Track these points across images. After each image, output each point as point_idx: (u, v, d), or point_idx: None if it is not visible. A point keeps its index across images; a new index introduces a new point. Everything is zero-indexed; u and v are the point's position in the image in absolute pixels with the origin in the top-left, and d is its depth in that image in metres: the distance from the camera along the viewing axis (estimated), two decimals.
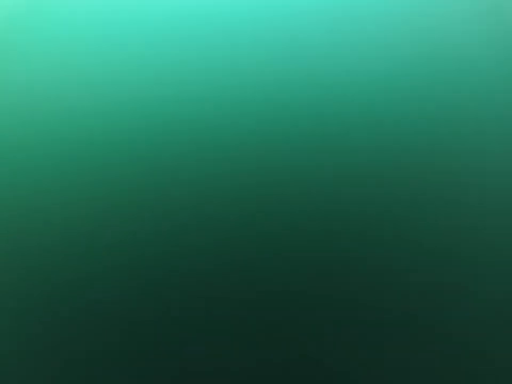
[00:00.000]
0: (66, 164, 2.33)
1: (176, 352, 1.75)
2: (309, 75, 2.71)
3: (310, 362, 1.73)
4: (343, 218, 2.12)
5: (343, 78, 2.68)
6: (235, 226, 2.08)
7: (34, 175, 2.28)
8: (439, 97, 2.62)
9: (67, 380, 1.70)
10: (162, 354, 1.75)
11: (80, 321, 1.85)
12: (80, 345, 1.80)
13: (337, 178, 2.24)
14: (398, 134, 2.43)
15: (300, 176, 2.24)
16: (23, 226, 2.14)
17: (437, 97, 2.62)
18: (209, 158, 2.32)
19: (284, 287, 1.92)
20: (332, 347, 1.75)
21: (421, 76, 2.71)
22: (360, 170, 2.26)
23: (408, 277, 1.97)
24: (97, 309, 1.87)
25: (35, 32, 2.93)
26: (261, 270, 1.98)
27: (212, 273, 1.96)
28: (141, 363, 1.74)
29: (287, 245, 2.05)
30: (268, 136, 2.43)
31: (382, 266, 1.98)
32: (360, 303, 1.89)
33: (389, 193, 2.18)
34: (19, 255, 2.03)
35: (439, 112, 2.55)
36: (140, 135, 2.47)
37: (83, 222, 2.13)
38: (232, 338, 1.80)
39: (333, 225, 2.10)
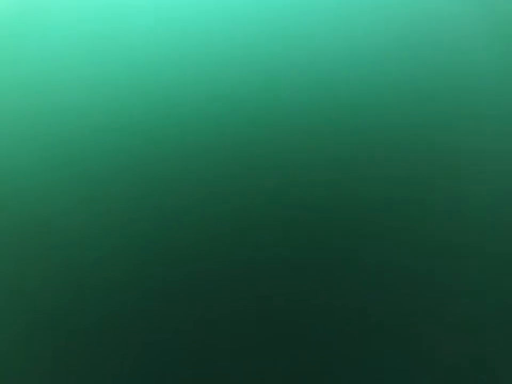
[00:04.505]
0: (65, 165, 2.32)
1: (176, 355, 1.74)
2: (309, 75, 2.70)
3: (309, 364, 1.73)
4: (343, 217, 2.11)
5: (345, 77, 2.67)
6: (235, 228, 2.08)
7: (32, 176, 2.28)
8: (439, 98, 2.61)
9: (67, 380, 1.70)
10: (162, 357, 1.75)
11: (79, 325, 1.85)
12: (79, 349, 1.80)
13: (337, 177, 2.23)
14: (399, 134, 2.43)
15: (298, 177, 2.23)
16: (22, 227, 2.14)
17: (437, 98, 2.61)
18: (211, 158, 2.32)
19: (285, 286, 1.91)
20: (333, 349, 1.74)
21: (421, 76, 2.71)
22: (359, 170, 2.26)
23: (411, 276, 1.96)
24: (96, 312, 1.87)
25: (32, 31, 2.93)
26: (261, 269, 1.97)
27: (214, 276, 1.95)
28: (142, 365, 1.74)
29: (288, 245, 2.05)
30: (270, 136, 2.43)
31: (382, 268, 1.98)
32: (359, 303, 1.88)
33: (389, 195, 2.17)
34: (18, 255, 2.03)
35: (440, 112, 2.55)
36: (140, 135, 2.46)
37: (83, 223, 2.13)
38: (231, 343, 1.79)
39: (333, 223, 2.09)
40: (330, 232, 2.06)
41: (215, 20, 3.02)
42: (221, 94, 2.59)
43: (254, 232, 2.06)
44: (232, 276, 1.94)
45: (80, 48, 2.88)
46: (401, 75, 2.68)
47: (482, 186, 2.21)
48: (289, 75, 2.66)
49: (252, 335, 1.79)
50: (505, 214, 2.11)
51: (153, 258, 2.00)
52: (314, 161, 2.30)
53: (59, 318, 1.84)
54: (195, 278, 1.93)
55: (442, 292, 1.89)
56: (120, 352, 1.76)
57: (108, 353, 1.76)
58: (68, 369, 1.72)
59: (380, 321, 1.81)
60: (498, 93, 2.60)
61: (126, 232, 2.08)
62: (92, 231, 2.09)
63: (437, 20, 3.00)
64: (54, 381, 1.70)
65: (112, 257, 2.01)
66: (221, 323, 1.82)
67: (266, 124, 2.45)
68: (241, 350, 1.76)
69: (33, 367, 1.74)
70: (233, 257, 2.00)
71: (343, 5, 3.11)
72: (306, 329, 1.80)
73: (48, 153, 2.37)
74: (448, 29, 2.95)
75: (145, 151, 2.37)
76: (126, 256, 2.01)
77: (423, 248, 2.01)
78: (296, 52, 2.80)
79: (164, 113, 2.53)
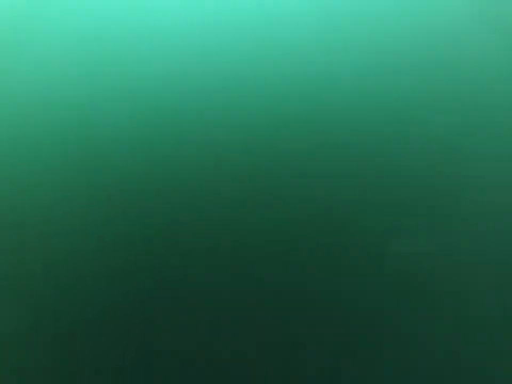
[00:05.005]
0: (65, 168, 2.32)
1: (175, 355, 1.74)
2: (307, 76, 2.70)
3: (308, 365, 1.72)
4: (343, 219, 2.11)
5: (343, 78, 2.67)
6: (235, 228, 2.08)
7: (34, 169, 2.27)
8: (439, 99, 2.61)
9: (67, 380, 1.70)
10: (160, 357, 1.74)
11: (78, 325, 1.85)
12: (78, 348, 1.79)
13: (336, 181, 2.23)
14: (399, 136, 2.43)
15: (297, 178, 2.23)
16: (23, 220, 2.13)
17: (437, 99, 2.61)
18: (209, 160, 2.32)
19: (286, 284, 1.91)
20: (332, 348, 1.74)
21: (421, 78, 2.71)
22: (357, 172, 2.25)
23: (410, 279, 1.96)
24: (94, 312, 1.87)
25: (33, 32, 2.93)
26: (261, 269, 1.97)
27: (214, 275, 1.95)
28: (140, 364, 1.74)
29: (288, 247, 2.04)
30: (268, 137, 2.42)
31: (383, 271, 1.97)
32: (358, 304, 1.88)
33: (389, 200, 2.17)
34: (18, 245, 2.03)
35: (442, 114, 2.54)
36: (140, 135, 2.46)
37: (86, 215, 2.13)
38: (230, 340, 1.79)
39: (333, 225, 2.09)
40: (330, 236, 2.06)
41: (216, 23, 3.02)
42: (222, 99, 2.59)
43: (255, 233, 2.06)
44: (232, 272, 1.94)
45: (80, 50, 2.88)
46: (403, 77, 2.68)
47: (482, 189, 2.21)
48: (292, 84, 2.65)
49: (250, 332, 1.79)
50: (506, 217, 2.11)
51: (156, 250, 2.00)
52: (314, 165, 2.30)
53: (60, 309, 1.84)
54: (197, 271, 1.94)
55: (442, 295, 1.89)
56: (121, 344, 1.76)
57: (109, 345, 1.75)
58: (69, 359, 1.71)
59: (380, 324, 1.81)
60: (501, 95, 2.60)
61: (128, 224, 2.08)
62: (93, 221, 2.08)
63: (438, 22, 3.00)
64: (54, 372, 1.70)
65: (114, 247, 2.00)
66: (221, 317, 1.82)
67: (268, 126, 2.45)
68: (242, 345, 1.76)
69: (34, 357, 1.73)
70: (233, 253, 2.00)
71: (344, 10, 3.11)
72: (305, 331, 1.80)
73: (48, 150, 2.37)
74: (449, 32, 2.94)
75: (146, 149, 2.37)
76: (128, 248, 2.01)
77: (423, 254, 2.01)
78: (298, 55, 2.80)
79: (166, 112, 2.53)
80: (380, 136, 2.39)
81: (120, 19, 3.04)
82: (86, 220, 2.10)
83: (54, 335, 1.77)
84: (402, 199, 2.15)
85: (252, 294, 1.88)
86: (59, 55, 2.83)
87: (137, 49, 2.85)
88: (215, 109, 2.52)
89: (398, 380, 1.68)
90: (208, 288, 1.89)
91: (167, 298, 1.87)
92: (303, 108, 2.51)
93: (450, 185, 2.22)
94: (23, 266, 1.96)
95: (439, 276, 1.92)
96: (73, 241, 2.04)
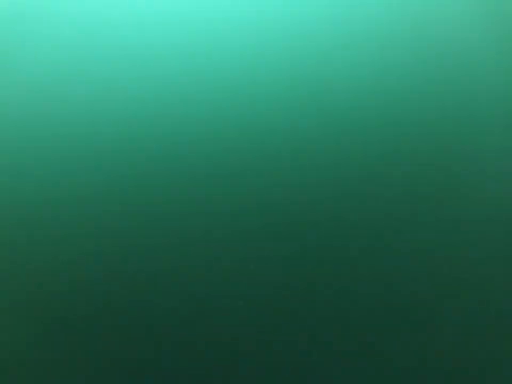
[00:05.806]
0: (65, 171, 2.31)
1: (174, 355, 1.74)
2: (307, 76, 2.70)
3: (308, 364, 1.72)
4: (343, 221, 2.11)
5: (343, 78, 2.66)
6: (236, 228, 2.07)
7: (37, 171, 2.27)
8: (439, 100, 2.60)
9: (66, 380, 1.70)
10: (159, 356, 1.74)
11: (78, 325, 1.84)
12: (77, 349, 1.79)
13: (336, 183, 2.23)
14: (399, 138, 2.42)
15: (298, 179, 2.23)
16: (22, 226, 2.13)
17: (437, 100, 2.61)
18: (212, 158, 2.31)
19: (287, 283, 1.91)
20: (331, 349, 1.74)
21: (421, 77, 2.70)
22: (357, 175, 2.25)
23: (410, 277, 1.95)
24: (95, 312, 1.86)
25: (32, 33, 2.93)
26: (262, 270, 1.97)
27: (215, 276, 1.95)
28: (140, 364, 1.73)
29: (287, 248, 2.04)
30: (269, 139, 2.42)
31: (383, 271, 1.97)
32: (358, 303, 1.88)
33: (390, 201, 2.16)
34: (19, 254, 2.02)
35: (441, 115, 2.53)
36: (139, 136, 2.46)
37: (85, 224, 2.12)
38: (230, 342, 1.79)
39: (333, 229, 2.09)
40: (332, 241, 2.06)
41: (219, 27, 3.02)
42: (225, 102, 2.59)
43: (257, 238, 2.07)
44: (232, 274, 1.94)
45: (82, 52, 2.88)
46: (402, 78, 2.68)
47: (482, 189, 2.21)
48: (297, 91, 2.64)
49: (250, 334, 1.79)
50: (506, 216, 2.11)
51: (155, 255, 2.00)
52: (315, 166, 2.30)
53: (58, 315, 1.84)
54: (197, 278, 1.94)
55: (442, 294, 1.89)
56: (118, 347, 1.76)
57: (108, 347, 1.76)
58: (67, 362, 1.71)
59: (381, 326, 1.82)
60: (500, 94, 2.60)
61: (128, 231, 2.08)
62: (94, 229, 2.09)
63: (437, 21, 3.00)
64: (51, 372, 1.70)
65: (113, 252, 2.01)
66: (220, 320, 1.82)
67: (271, 129, 2.45)
68: (241, 346, 1.76)
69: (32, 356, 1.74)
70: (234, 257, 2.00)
71: (345, 11, 3.11)
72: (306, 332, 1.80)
73: (52, 150, 2.38)
74: (449, 31, 2.95)
75: (147, 149, 2.37)
76: (127, 254, 2.01)
77: (424, 257, 2.01)
78: (300, 58, 2.80)
79: (167, 112, 2.53)
80: (380, 136, 2.39)
81: (119, 19, 3.05)
82: (86, 218, 2.11)
83: (51, 333, 1.78)
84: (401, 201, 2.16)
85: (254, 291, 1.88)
86: (59, 55, 2.84)
87: (136, 49, 2.86)
88: (216, 107, 2.53)
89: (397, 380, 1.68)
90: (212, 287, 1.90)
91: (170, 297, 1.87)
92: (302, 109, 2.52)
93: (449, 184, 2.22)
94: (24, 265, 1.97)
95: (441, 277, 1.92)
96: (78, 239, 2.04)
